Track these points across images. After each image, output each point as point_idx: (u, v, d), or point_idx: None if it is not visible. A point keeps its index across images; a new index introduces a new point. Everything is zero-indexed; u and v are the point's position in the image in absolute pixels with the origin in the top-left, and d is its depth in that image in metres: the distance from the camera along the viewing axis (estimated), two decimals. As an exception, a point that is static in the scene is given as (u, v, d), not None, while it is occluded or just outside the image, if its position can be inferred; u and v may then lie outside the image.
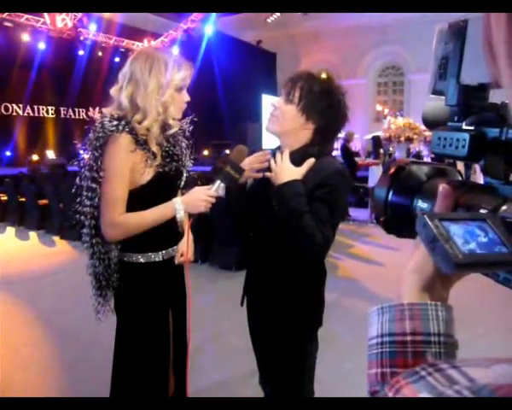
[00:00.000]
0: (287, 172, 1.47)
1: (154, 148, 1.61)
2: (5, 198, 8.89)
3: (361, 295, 4.51)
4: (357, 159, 10.53)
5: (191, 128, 1.78)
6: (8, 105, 15.62)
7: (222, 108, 17.25)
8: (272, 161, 1.52)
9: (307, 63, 22.03)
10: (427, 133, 12.25)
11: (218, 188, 1.56)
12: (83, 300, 4.39)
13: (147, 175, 1.58)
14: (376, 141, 8.84)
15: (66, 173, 10.49)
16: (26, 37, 14.48)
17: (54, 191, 7.76)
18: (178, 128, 1.70)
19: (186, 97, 1.67)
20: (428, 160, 11.52)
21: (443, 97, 0.59)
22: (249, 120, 18.06)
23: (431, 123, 0.64)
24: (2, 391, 2.86)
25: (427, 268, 0.51)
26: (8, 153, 15.26)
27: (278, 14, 15.66)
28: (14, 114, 15.89)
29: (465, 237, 0.45)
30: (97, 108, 18.35)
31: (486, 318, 3.89)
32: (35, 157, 13.83)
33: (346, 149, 8.35)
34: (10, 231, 8.14)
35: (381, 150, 8.98)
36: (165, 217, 1.59)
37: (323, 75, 1.63)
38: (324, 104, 1.53)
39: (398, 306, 0.50)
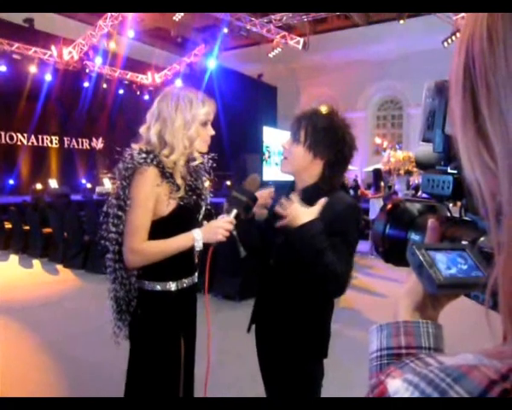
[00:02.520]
0: (303, 214, 1.50)
1: (179, 181, 1.71)
2: (9, 226, 8.96)
3: (363, 325, 4.53)
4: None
5: (213, 165, 1.89)
6: (13, 134, 15.87)
7: (223, 140, 17.51)
8: (282, 208, 1.53)
9: (307, 97, 22.47)
10: (427, 166, 12.37)
11: (235, 216, 1.64)
12: (88, 327, 4.48)
13: (169, 207, 1.67)
14: (377, 174, 8.96)
15: (69, 203, 10.60)
16: (33, 68, 14.81)
17: (58, 220, 7.85)
18: (201, 162, 1.81)
19: (211, 131, 1.78)
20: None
21: (431, 144, 0.69)
22: (250, 151, 18.29)
23: (422, 165, 0.74)
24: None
25: (419, 291, 0.59)
26: (11, 181, 15.41)
27: (279, 48, 16.05)
28: (19, 143, 16.12)
29: (447, 263, 0.54)
30: (100, 139, 18.65)
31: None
32: (39, 186, 13.93)
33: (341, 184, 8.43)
34: (14, 258, 8.18)
35: (382, 183, 9.10)
36: (184, 246, 1.67)
37: (325, 109, 1.71)
38: (329, 140, 1.61)
39: (395, 324, 0.57)
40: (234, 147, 18.13)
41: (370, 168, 13.35)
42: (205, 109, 1.73)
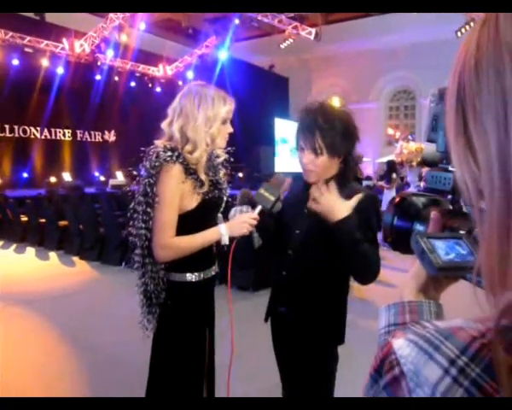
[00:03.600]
0: (342, 206, 1.54)
1: (203, 176, 1.76)
2: (25, 219, 9.10)
3: (375, 315, 4.55)
4: (369, 182, 10.60)
5: (230, 159, 1.93)
6: (27, 128, 16.01)
7: (235, 132, 17.47)
8: (317, 193, 1.56)
9: (319, 87, 22.35)
10: (439, 157, 12.28)
11: (259, 211, 1.70)
12: (106, 318, 4.57)
13: (194, 202, 1.73)
14: (391, 165, 8.94)
15: (83, 196, 10.74)
16: (45, 62, 14.92)
17: (73, 213, 7.96)
18: (224, 159, 1.86)
19: (230, 129, 1.83)
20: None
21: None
22: (262, 143, 18.28)
23: (429, 163, 0.84)
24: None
25: (422, 275, 0.68)
26: (25, 174, 15.60)
27: (291, 39, 16.00)
28: (32, 136, 16.27)
29: (446, 249, 0.62)
30: (113, 132, 18.76)
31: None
32: (53, 179, 14.10)
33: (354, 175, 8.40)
34: (30, 251, 8.33)
35: (394, 175, 9.05)
36: (211, 241, 1.75)
37: (336, 101, 1.73)
38: (346, 143, 1.66)
39: (401, 303, 0.67)
40: (245, 139, 18.08)
41: (383, 159, 13.28)
42: (226, 108, 1.77)
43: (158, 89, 18.76)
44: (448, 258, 0.61)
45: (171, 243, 1.68)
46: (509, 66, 0.35)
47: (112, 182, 15.40)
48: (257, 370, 3.26)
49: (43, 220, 8.69)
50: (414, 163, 9.72)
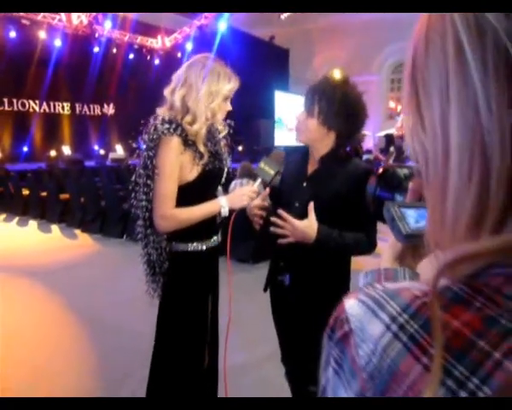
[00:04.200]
0: (308, 230, 1.62)
1: (202, 148, 1.78)
2: (27, 192, 9.14)
3: None
4: (369, 156, 10.59)
5: (230, 131, 1.96)
6: (25, 101, 15.86)
7: (234, 105, 17.41)
8: (281, 223, 1.65)
9: (320, 59, 22.07)
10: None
11: (259, 185, 1.75)
12: (109, 288, 4.67)
13: (193, 173, 1.77)
14: (389, 139, 8.94)
15: (83, 169, 10.75)
16: (42, 34, 14.69)
17: (74, 186, 8.00)
18: (224, 134, 1.90)
19: (229, 107, 1.85)
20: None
21: None
22: (262, 116, 18.14)
23: None
24: (42, 374, 3.07)
25: (399, 244, 0.72)
26: (25, 148, 15.54)
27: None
28: (31, 110, 16.13)
29: (417, 218, 0.64)
30: (112, 104, 18.63)
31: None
32: (53, 153, 14.07)
33: (355, 150, 8.42)
34: (33, 224, 8.40)
35: (392, 148, 9.03)
36: (211, 213, 1.79)
37: (338, 78, 1.75)
38: (343, 115, 1.66)
39: (377, 270, 0.70)
40: (245, 112, 17.97)
41: (383, 133, 13.24)
42: (230, 86, 1.79)
43: (156, 61, 18.54)
44: (417, 226, 0.63)
45: (171, 214, 1.72)
46: (451, 35, 0.37)
47: (111, 155, 15.36)
48: (256, 338, 3.36)
49: (44, 194, 8.74)
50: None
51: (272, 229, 1.66)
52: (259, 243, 5.30)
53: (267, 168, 1.74)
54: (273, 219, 1.66)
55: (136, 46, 17.92)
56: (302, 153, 1.85)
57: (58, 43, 15.25)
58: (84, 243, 7.01)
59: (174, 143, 1.70)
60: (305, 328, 1.78)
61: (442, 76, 0.38)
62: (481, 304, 0.35)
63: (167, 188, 1.71)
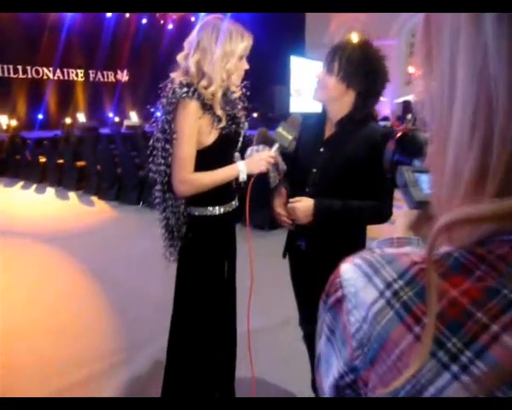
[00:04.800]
0: (303, 214, 1.68)
1: (219, 112, 1.76)
2: (44, 160, 9.23)
3: None
4: (386, 123, 10.43)
5: (247, 93, 1.93)
6: (39, 68, 15.85)
7: (248, 71, 17.20)
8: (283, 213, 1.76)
9: (337, 23, 21.51)
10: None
11: (276, 150, 1.74)
12: (127, 253, 4.74)
13: (211, 137, 1.75)
14: (406, 106, 8.74)
15: (98, 136, 10.78)
16: (55, 0, 14.54)
17: (90, 154, 8.05)
18: (239, 95, 1.86)
19: (245, 65, 1.82)
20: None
21: None
22: (277, 82, 17.83)
23: None
24: (63, 336, 3.16)
25: (413, 212, 0.68)
26: (40, 116, 15.60)
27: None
28: (45, 77, 16.12)
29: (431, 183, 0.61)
30: (125, 71, 18.51)
31: None
32: (68, 120, 14.11)
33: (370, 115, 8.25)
34: (50, 191, 8.50)
35: (409, 115, 8.84)
36: (229, 177, 1.79)
37: (359, 39, 1.72)
38: (362, 72, 1.64)
39: (390, 239, 0.66)
40: (259, 78, 17.63)
41: (401, 100, 12.97)
42: (244, 44, 1.76)
43: (170, 25, 18.28)
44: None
45: (189, 178, 1.72)
46: None
47: (126, 122, 15.36)
48: (271, 304, 3.39)
49: (61, 161, 8.81)
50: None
51: (281, 221, 1.77)
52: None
53: (285, 133, 1.73)
54: (278, 211, 1.77)
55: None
56: (319, 117, 1.83)
57: (71, 8, 15.06)
58: (100, 209, 7.10)
59: (192, 106, 1.69)
60: (322, 291, 1.79)
61: (454, 21, 0.36)
62: (483, 273, 0.33)
63: (186, 152, 1.71)
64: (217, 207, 1.84)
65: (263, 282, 3.86)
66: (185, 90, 1.68)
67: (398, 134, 0.77)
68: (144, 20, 17.66)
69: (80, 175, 8.40)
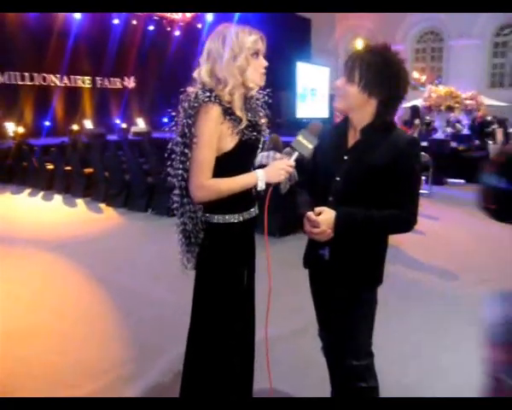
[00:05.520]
0: (326, 230, 1.62)
1: (239, 113, 1.72)
2: (51, 167, 9.22)
3: (404, 261, 4.60)
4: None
5: (269, 101, 1.88)
6: (46, 76, 15.96)
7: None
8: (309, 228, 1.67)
9: (343, 29, 21.54)
10: (468, 102, 11.92)
11: (296, 158, 1.69)
12: (135, 260, 4.69)
13: (232, 142, 1.70)
14: (414, 110, 8.68)
15: (106, 143, 10.78)
16: (62, 7, 14.63)
17: (98, 160, 8.02)
18: (257, 93, 1.80)
19: (264, 62, 1.77)
20: (467, 130, 11.23)
21: None
22: (283, 88, 17.84)
23: None
24: (70, 340, 3.11)
25: None
26: (47, 123, 15.67)
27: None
28: (52, 84, 16.22)
29: None
30: (132, 78, 18.57)
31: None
32: (75, 127, 14.16)
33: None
34: (58, 198, 8.47)
35: (417, 121, 8.78)
36: (248, 185, 1.73)
37: (379, 45, 1.65)
38: (384, 79, 1.58)
39: None
40: (266, 83, 17.71)
41: (409, 104, 12.90)
42: (252, 38, 1.71)
43: (177, 32, 18.36)
44: None
45: (208, 183, 1.68)
46: None
47: (133, 129, 15.41)
48: (286, 311, 3.32)
49: (68, 168, 8.79)
50: (442, 107, 9.41)
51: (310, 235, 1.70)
52: (286, 216, 5.24)
53: (305, 142, 1.68)
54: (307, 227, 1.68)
55: (156, 17, 17.71)
56: (340, 125, 1.77)
57: (78, 15, 15.16)
58: (108, 216, 7.06)
59: (214, 111, 1.65)
60: (344, 302, 1.73)
61: None
62: None
63: (205, 157, 1.66)
64: (236, 215, 1.78)
65: (274, 289, 3.83)
66: (208, 94, 1.65)
67: (500, 158, 0.63)
68: (151, 27, 17.73)
69: (88, 182, 8.37)
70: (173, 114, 1.73)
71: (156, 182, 6.99)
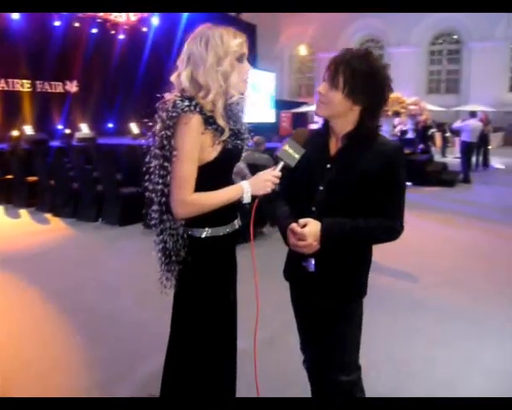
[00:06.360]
0: (313, 243, 1.56)
1: (221, 122, 1.63)
2: (-11, 176, 8.67)
3: (386, 271, 4.49)
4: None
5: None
6: (-18, 79, 15.10)
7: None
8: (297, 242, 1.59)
9: (287, 35, 21.86)
10: (412, 107, 12.43)
11: (281, 168, 1.62)
12: (87, 275, 4.45)
13: (214, 153, 1.62)
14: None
15: (48, 149, 10.28)
16: (-2, 7, 13.87)
17: (42, 168, 7.62)
18: (239, 99, 1.71)
19: (247, 66, 1.69)
20: (411, 134, 11.73)
21: None
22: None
23: None
24: (31, 371, 2.89)
25: None
26: (-17, 129, 14.78)
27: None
28: (-12, 88, 15.36)
29: None
30: (75, 82, 17.89)
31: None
32: (15, 133, 13.43)
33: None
34: (-2, 209, 7.99)
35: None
36: (233, 199, 1.64)
37: (362, 50, 1.62)
38: (369, 87, 1.55)
39: None
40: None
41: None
42: (237, 41, 1.63)
43: (121, 36, 17.90)
44: None
45: (190, 199, 1.58)
46: None
47: (78, 135, 14.83)
48: (266, 320, 3.25)
49: (9, 176, 8.29)
50: (389, 112, 9.73)
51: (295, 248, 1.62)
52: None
53: (291, 151, 1.61)
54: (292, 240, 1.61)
55: (99, 20, 17.17)
56: (319, 131, 1.73)
57: (16, 16, 14.43)
58: (56, 227, 6.71)
59: (195, 121, 1.55)
60: (331, 315, 1.69)
61: None
62: None
63: (187, 171, 1.57)
64: (222, 228, 1.70)
65: (250, 299, 3.74)
66: (187, 103, 1.55)
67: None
68: (94, 30, 17.19)
69: (31, 191, 7.92)
70: (150, 124, 1.62)
71: (106, 190, 6.73)
